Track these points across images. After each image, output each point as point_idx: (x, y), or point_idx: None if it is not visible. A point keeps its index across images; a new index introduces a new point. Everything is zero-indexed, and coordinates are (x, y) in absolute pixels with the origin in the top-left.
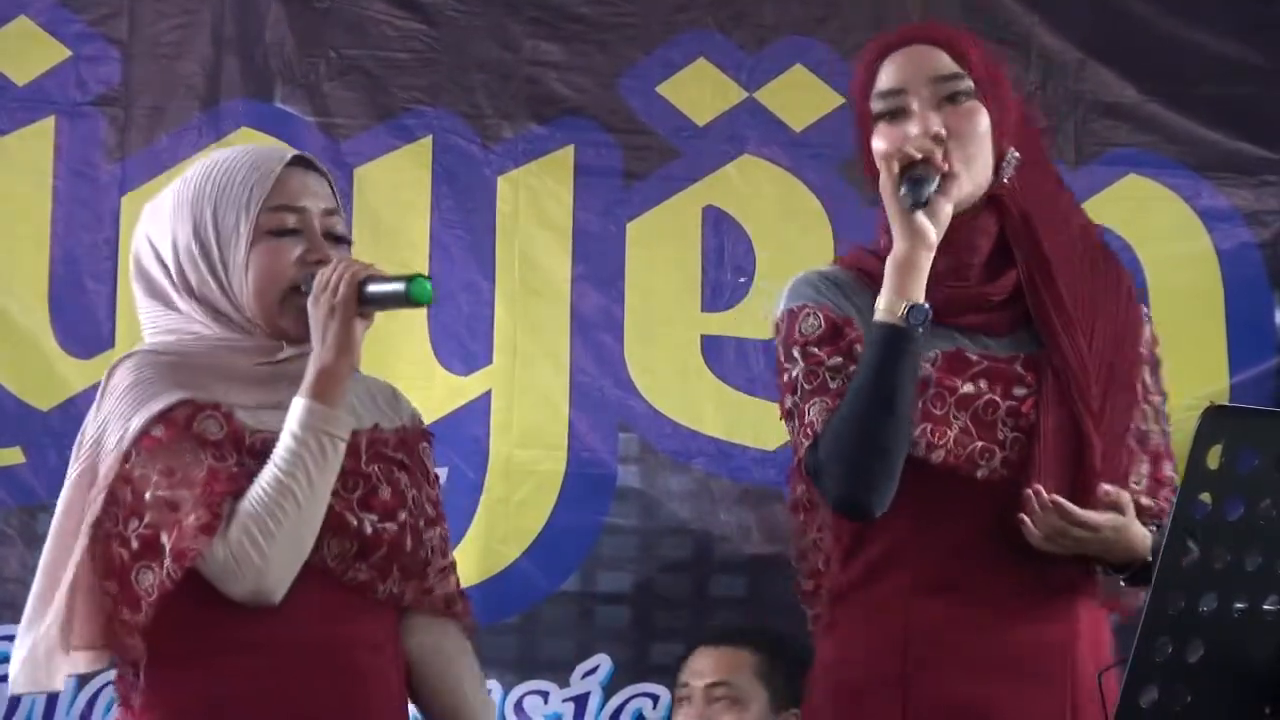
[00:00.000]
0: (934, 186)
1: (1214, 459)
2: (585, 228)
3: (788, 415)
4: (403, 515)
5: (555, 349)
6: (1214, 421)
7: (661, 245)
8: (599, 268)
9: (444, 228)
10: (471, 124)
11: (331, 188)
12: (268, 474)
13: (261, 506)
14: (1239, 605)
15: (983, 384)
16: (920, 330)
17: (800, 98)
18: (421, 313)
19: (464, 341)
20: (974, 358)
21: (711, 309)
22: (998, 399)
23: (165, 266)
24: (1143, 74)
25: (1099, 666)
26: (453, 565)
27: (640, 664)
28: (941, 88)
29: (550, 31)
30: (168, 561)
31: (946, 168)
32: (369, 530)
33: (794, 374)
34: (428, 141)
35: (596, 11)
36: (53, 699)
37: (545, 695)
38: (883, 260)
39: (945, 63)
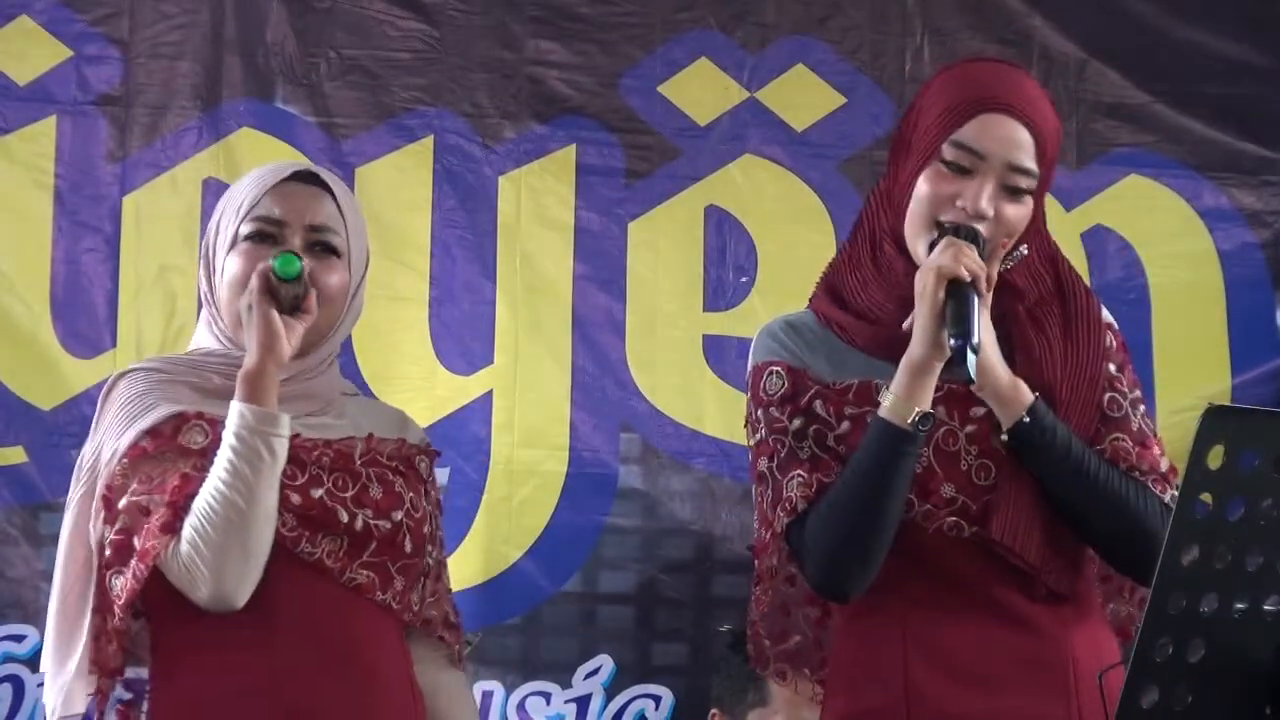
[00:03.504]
0: (978, 336)
1: (1215, 459)
2: (587, 227)
3: (759, 479)
4: (398, 515)
5: (557, 349)
6: (1215, 421)
7: (663, 245)
8: (601, 267)
9: (445, 228)
10: (473, 124)
11: (336, 203)
12: (210, 483)
13: (204, 517)
14: (1240, 605)
15: (940, 410)
16: (925, 434)
17: (802, 97)
18: (423, 313)
19: (465, 341)
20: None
21: (713, 308)
22: (955, 427)
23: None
24: (1145, 74)
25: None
26: (448, 591)
27: (642, 665)
28: (1012, 176)
29: (552, 31)
30: (134, 562)
31: (986, 290)
32: (359, 525)
33: (761, 435)
34: (429, 141)
35: (598, 11)
36: None
37: (547, 696)
38: (848, 311)
39: (1028, 155)
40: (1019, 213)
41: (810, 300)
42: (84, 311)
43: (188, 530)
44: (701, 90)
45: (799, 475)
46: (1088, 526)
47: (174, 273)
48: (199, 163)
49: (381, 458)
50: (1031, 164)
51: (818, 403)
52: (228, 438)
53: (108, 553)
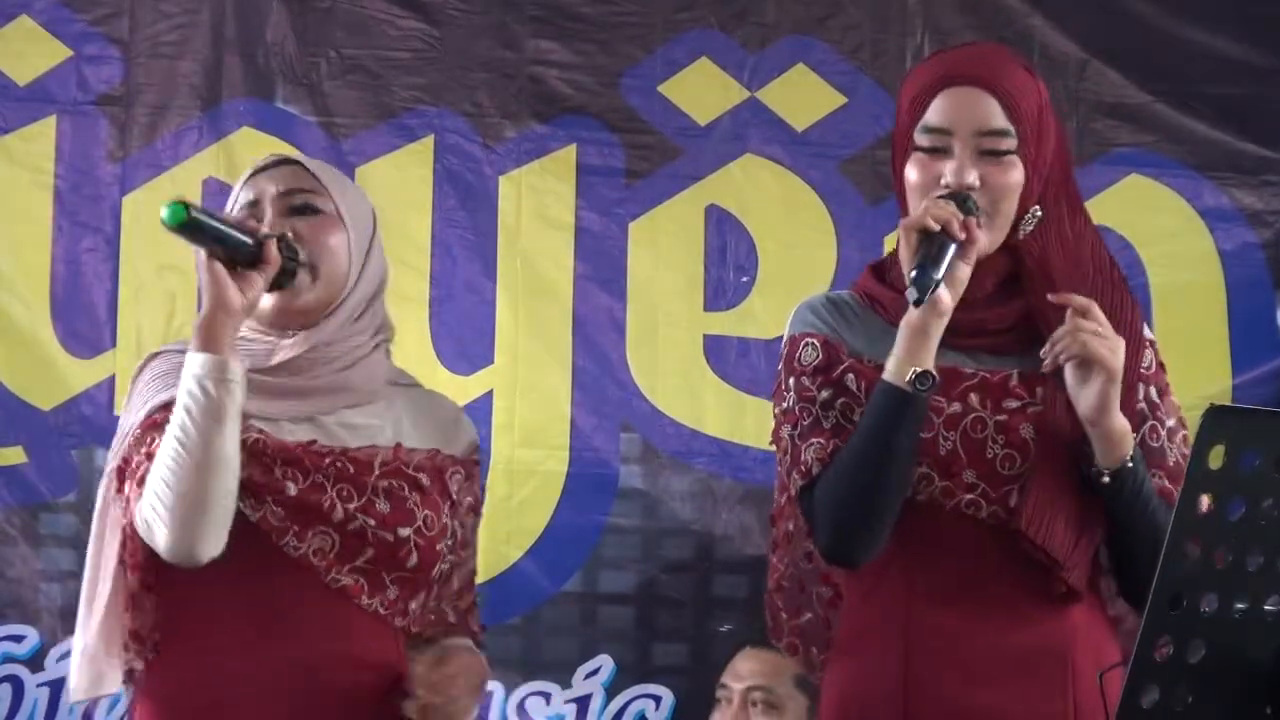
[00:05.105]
0: (941, 274)
1: (1216, 459)
2: (587, 227)
3: (781, 447)
4: (405, 531)
5: (557, 349)
6: (1216, 421)
7: (664, 245)
8: (601, 267)
9: (446, 227)
10: (473, 123)
11: (308, 170)
12: (166, 435)
13: (158, 469)
14: (1240, 605)
15: (973, 398)
16: (925, 396)
17: (802, 97)
18: (423, 312)
19: (466, 341)
20: (969, 370)
21: (714, 308)
22: (985, 415)
23: None
24: (1145, 74)
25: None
26: (475, 604)
27: (643, 665)
28: (985, 141)
29: (552, 30)
30: (124, 521)
31: (964, 236)
32: (353, 527)
33: (789, 404)
34: (429, 141)
35: (598, 11)
36: (55, 701)
37: (547, 696)
38: (891, 288)
39: (996, 115)
40: (1006, 175)
41: (852, 284)
42: (84, 311)
43: (148, 487)
44: (702, 90)
45: (817, 441)
46: (1133, 565)
47: (174, 273)
48: (199, 163)
49: (406, 468)
50: (1003, 123)
51: (850, 376)
52: (180, 389)
53: (123, 521)
